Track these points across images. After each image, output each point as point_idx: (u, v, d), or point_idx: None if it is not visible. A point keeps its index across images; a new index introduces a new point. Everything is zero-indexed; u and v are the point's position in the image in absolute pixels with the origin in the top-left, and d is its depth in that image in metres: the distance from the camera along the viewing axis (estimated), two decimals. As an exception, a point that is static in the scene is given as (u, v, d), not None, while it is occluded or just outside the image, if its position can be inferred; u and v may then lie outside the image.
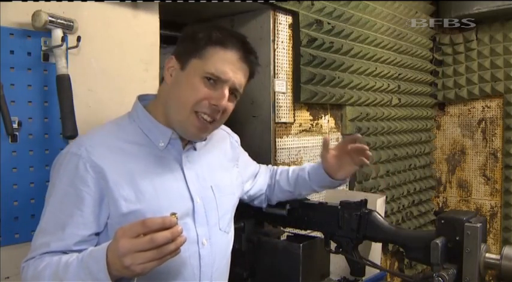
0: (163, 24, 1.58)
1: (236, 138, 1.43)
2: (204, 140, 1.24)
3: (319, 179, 1.43)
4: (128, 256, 0.84)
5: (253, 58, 1.15)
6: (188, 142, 1.19)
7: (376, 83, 2.48)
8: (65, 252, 1.02)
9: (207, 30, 1.12)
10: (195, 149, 1.21)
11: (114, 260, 0.86)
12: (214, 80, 1.09)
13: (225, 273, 1.26)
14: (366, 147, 1.35)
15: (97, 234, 1.06)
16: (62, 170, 1.06)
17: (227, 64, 1.09)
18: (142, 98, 1.21)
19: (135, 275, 0.87)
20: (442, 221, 1.21)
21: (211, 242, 1.16)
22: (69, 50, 1.32)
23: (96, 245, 1.07)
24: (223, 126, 1.40)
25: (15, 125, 1.22)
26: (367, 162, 1.36)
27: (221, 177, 1.26)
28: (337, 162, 1.39)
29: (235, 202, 1.32)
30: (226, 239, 1.25)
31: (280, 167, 1.57)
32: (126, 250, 0.84)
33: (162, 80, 1.18)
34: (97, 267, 0.88)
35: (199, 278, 1.14)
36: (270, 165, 1.62)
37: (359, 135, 1.38)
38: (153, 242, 0.84)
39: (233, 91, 1.13)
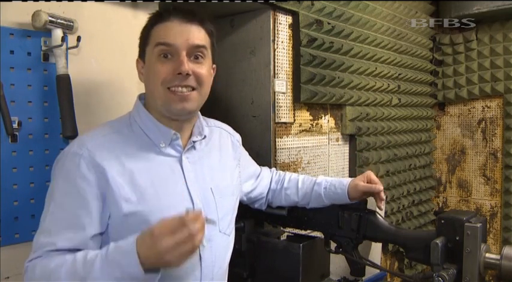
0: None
1: (238, 137, 1.43)
2: (204, 138, 1.24)
3: (336, 198, 1.42)
4: (169, 252, 0.88)
5: (194, 15, 1.13)
6: (188, 141, 1.19)
7: (376, 83, 2.48)
8: (70, 251, 1.01)
9: (146, 21, 1.16)
10: (194, 148, 1.21)
11: (150, 255, 0.89)
12: (169, 53, 1.09)
13: (225, 274, 1.27)
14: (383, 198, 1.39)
15: (100, 234, 1.06)
16: (65, 169, 1.06)
17: (170, 30, 1.10)
18: (142, 97, 1.21)
19: (172, 266, 0.93)
20: (442, 221, 1.21)
21: (212, 244, 1.16)
22: (69, 50, 1.32)
23: (101, 246, 1.07)
24: (224, 126, 1.40)
25: (15, 125, 1.22)
26: (380, 207, 1.40)
27: (221, 178, 1.26)
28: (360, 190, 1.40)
29: (235, 203, 1.32)
30: (227, 241, 1.25)
31: (287, 173, 1.56)
32: (169, 246, 0.88)
33: None
34: (128, 261, 0.90)
35: (200, 279, 1.14)
36: (273, 169, 1.62)
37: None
38: (191, 233, 0.89)
39: (195, 53, 1.11)
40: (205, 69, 1.14)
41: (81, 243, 1.02)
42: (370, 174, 1.41)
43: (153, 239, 0.89)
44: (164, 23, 1.11)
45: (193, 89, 1.12)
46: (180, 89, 1.10)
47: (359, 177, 1.41)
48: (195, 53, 1.11)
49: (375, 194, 1.38)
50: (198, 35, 1.12)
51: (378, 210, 1.42)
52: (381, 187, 1.37)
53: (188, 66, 1.09)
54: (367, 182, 1.39)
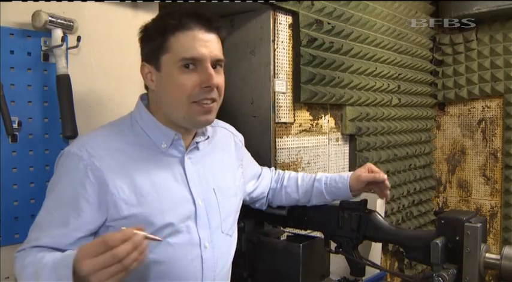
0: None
1: (240, 137, 1.42)
2: (207, 138, 1.24)
3: (338, 193, 1.42)
4: (92, 275, 0.84)
5: (214, 23, 1.11)
6: (191, 142, 1.19)
7: (376, 83, 2.48)
8: (53, 248, 1.02)
9: (159, 24, 1.11)
10: (198, 149, 1.21)
11: (78, 273, 0.86)
12: (192, 64, 1.07)
13: (227, 274, 1.26)
14: (388, 186, 1.39)
15: (93, 234, 1.06)
16: (64, 170, 1.06)
17: (194, 42, 1.06)
18: (144, 98, 1.20)
19: None
20: (442, 221, 1.21)
21: (214, 245, 1.16)
22: (69, 50, 1.32)
23: None
24: (227, 126, 1.40)
25: (15, 125, 1.22)
26: (387, 195, 1.40)
27: (224, 179, 1.25)
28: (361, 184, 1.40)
29: (238, 204, 1.32)
30: (229, 242, 1.24)
31: (287, 172, 1.55)
32: (90, 270, 0.84)
33: (146, 87, 1.17)
34: (64, 272, 0.87)
35: (201, 279, 1.14)
36: (273, 168, 1.61)
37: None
38: (115, 257, 0.83)
39: (216, 63, 1.10)
40: (223, 79, 1.13)
41: (62, 243, 1.02)
42: (371, 165, 1.41)
43: (76, 261, 0.86)
44: (185, 32, 1.07)
45: (215, 100, 1.11)
46: (205, 101, 1.09)
47: (360, 169, 1.41)
48: (216, 62, 1.10)
49: (379, 184, 1.36)
50: (217, 46, 1.10)
51: (379, 206, 1.40)
52: (385, 175, 1.36)
53: (216, 79, 1.08)
54: (369, 173, 1.38)
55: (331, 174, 1.45)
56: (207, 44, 1.08)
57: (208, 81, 1.06)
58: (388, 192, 1.38)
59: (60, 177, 1.06)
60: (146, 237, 0.88)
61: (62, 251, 1.00)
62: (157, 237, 0.94)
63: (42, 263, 0.95)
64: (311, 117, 2.13)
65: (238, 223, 1.36)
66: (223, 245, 1.20)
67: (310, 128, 2.12)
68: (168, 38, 1.07)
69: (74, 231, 1.03)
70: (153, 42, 1.10)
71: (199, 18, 1.09)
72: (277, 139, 1.93)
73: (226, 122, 1.43)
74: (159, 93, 1.12)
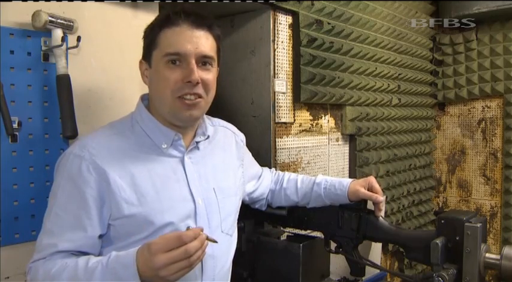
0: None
1: (242, 137, 1.42)
2: (207, 138, 1.24)
3: (336, 198, 1.42)
4: (164, 269, 0.90)
5: (204, 20, 1.12)
6: (191, 142, 1.19)
7: (376, 83, 2.48)
8: (72, 253, 1.03)
9: (153, 22, 1.14)
10: (198, 149, 1.21)
11: (146, 270, 0.91)
12: (178, 60, 1.08)
13: (227, 274, 1.26)
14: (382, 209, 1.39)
15: (100, 236, 1.06)
16: (66, 171, 1.06)
17: (180, 38, 1.08)
18: (144, 98, 1.20)
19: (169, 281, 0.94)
20: (442, 221, 1.21)
21: (213, 244, 1.16)
22: (69, 50, 1.32)
23: (102, 246, 1.07)
24: (229, 125, 1.40)
25: (15, 125, 1.22)
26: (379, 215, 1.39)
27: (224, 178, 1.25)
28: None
29: (238, 204, 1.32)
30: (229, 242, 1.25)
31: (286, 173, 1.55)
32: (163, 264, 0.90)
33: None
34: (126, 273, 0.92)
35: (201, 278, 1.14)
36: (273, 169, 1.62)
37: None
38: (187, 252, 0.91)
39: (203, 60, 1.10)
40: (212, 76, 1.13)
41: (82, 245, 1.03)
42: (372, 181, 1.39)
43: (150, 254, 0.91)
44: (173, 27, 1.08)
45: (200, 96, 1.11)
46: (188, 96, 1.09)
47: (360, 181, 1.39)
48: (203, 60, 1.11)
49: (374, 204, 1.37)
50: (206, 42, 1.10)
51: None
52: (381, 198, 1.36)
53: (198, 74, 1.08)
54: (369, 189, 1.38)
55: (332, 179, 1.44)
56: (194, 39, 1.08)
57: (189, 76, 1.07)
58: (381, 213, 1.38)
59: (63, 180, 1.06)
60: (207, 238, 0.96)
61: (85, 253, 1.02)
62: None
63: (80, 267, 0.96)
64: (311, 117, 2.13)
65: (238, 223, 1.36)
66: (223, 244, 1.20)
67: (310, 128, 2.12)
68: (157, 34, 1.10)
69: (91, 230, 1.03)
70: (147, 39, 1.14)
71: (188, 15, 1.10)
72: (277, 139, 1.93)
73: (227, 120, 1.43)
74: (151, 90, 1.15)
